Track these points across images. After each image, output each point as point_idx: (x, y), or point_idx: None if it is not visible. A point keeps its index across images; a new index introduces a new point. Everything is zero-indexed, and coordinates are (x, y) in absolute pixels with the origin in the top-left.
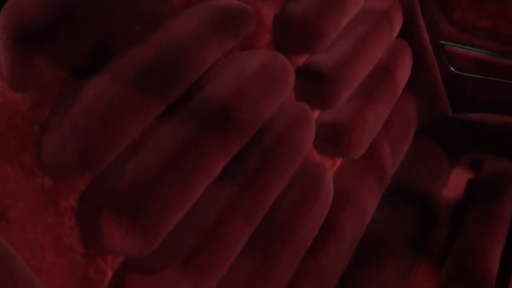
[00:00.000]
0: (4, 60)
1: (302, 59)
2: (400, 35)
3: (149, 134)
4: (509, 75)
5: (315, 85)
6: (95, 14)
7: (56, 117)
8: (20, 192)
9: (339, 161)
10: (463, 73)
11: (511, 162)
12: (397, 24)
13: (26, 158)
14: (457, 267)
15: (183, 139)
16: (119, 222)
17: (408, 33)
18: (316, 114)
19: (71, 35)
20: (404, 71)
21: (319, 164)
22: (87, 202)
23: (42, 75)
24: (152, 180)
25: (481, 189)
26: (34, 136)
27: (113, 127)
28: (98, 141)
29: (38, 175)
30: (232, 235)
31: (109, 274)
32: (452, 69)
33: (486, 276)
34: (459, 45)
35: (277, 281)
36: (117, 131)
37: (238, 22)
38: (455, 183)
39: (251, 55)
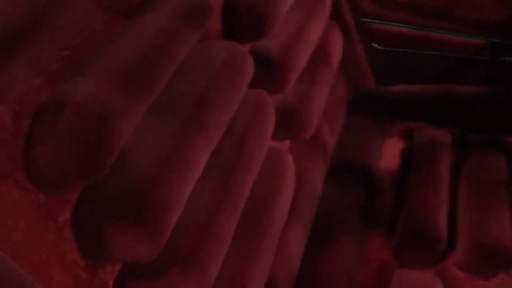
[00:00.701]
0: None
1: (248, 46)
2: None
3: (135, 135)
4: (431, 47)
5: (265, 71)
6: (62, 17)
7: (42, 127)
8: (19, 212)
9: (286, 144)
10: (386, 48)
11: (439, 128)
12: (329, 6)
13: (19, 174)
14: (408, 231)
15: (170, 137)
16: (125, 230)
17: (333, 13)
18: None
19: (42, 40)
20: (337, 51)
21: (280, 149)
22: (84, 213)
23: (19, 83)
24: (150, 183)
25: (416, 156)
26: (20, 150)
27: (110, 130)
28: (97, 145)
29: (33, 191)
30: (224, 228)
31: (110, 283)
32: (375, 45)
33: (437, 235)
34: (381, 22)
35: (261, 268)
36: (114, 133)
37: (202, 14)
38: (389, 153)
39: (213, 46)
